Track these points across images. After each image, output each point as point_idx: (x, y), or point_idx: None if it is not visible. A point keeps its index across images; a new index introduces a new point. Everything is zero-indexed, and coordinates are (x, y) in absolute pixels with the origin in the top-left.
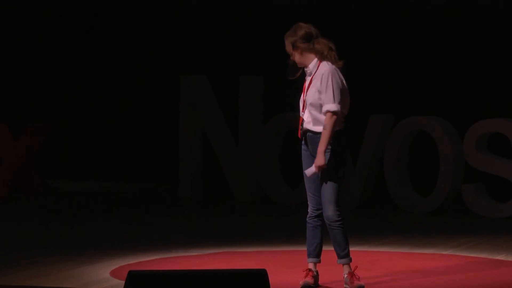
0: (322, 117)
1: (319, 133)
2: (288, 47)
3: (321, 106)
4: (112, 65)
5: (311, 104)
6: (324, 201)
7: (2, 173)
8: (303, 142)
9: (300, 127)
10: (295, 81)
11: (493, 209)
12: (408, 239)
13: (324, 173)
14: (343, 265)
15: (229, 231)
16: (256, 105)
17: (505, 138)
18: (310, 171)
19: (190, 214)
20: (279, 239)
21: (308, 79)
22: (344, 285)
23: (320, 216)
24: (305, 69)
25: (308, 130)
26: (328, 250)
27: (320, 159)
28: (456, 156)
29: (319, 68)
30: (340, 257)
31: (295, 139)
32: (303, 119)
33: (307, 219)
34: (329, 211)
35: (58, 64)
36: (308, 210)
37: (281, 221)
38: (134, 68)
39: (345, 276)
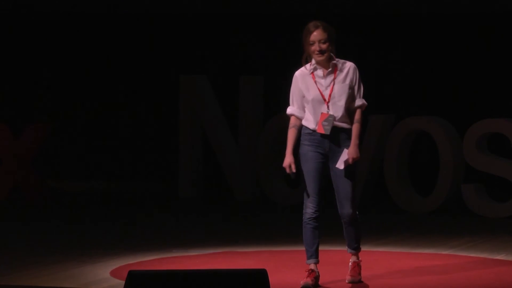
0: (350, 113)
1: (345, 128)
2: (323, 35)
3: (352, 100)
4: (112, 65)
5: (347, 99)
6: (343, 198)
7: (2, 173)
8: (311, 142)
9: (326, 123)
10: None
11: (493, 209)
12: (408, 239)
13: (345, 169)
14: (351, 254)
15: (229, 231)
16: (256, 105)
17: (505, 138)
18: (346, 162)
19: (190, 214)
20: (279, 239)
21: (328, 74)
22: (347, 276)
23: (318, 218)
24: (317, 64)
25: (336, 126)
26: (328, 250)
27: (357, 151)
28: (456, 156)
29: (341, 64)
30: (352, 248)
31: (295, 139)
32: (329, 115)
33: (306, 221)
34: (349, 208)
35: (58, 64)
36: (307, 211)
37: (281, 221)
38: (134, 68)
39: (350, 263)
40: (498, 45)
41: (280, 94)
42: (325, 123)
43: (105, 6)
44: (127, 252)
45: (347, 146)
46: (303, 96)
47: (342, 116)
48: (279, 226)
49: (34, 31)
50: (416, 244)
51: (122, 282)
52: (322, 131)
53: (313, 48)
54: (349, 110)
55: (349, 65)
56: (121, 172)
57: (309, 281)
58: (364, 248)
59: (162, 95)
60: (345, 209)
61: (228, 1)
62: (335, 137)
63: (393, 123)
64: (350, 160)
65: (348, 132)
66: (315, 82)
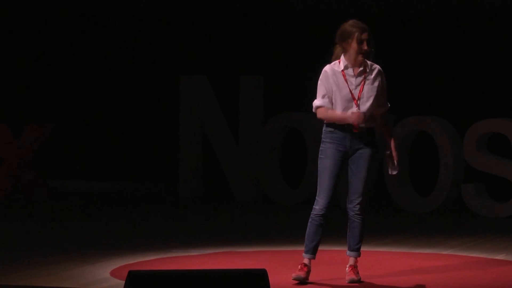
0: (372, 113)
1: (367, 128)
2: (370, 37)
3: (377, 102)
4: (112, 65)
5: (377, 100)
6: (355, 192)
7: (3, 173)
8: (332, 139)
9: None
10: (294, 81)
11: (493, 209)
12: (408, 239)
13: (366, 168)
14: (350, 257)
15: (229, 231)
16: (256, 105)
17: (505, 138)
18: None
19: (190, 214)
20: (279, 239)
21: (359, 74)
22: (346, 276)
23: (325, 216)
24: (348, 63)
25: (363, 127)
26: (328, 250)
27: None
28: (456, 156)
29: (371, 65)
30: (350, 249)
31: (295, 139)
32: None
33: (312, 216)
34: (361, 204)
35: (58, 64)
36: (316, 208)
37: (281, 221)
38: (134, 68)
39: (347, 267)
40: (498, 45)
41: (280, 94)
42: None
43: (105, 6)
44: (127, 252)
45: (368, 145)
46: (332, 92)
47: (370, 116)
48: (279, 226)
49: (34, 32)
50: (416, 244)
51: (122, 282)
52: (358, 129)
53: (361, 46)
54: (373, 112)
55: (377, 68)
56: (121, 172)
57: (301, 274)
58: (364, 248)
59: (162, 95)
60: (354, 202)
61: (228, 1)
62: (357, 136)
63: (392, 123)
64: (396, 161)
65: (369, 132)
66: (346, 80)
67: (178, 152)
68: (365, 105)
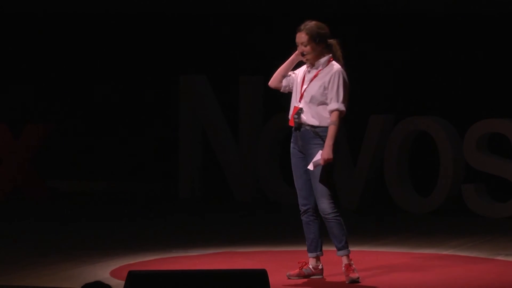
0: (320, 112)
1: (314, 126)
2: (303, 38)
3: (322, 101)
4: (112, 65)
5: (313, 97)
6: (317, 195)
7: (2, 173)
8: (292, 139)
9: (296, 116)
10: None
11: (493, 209)
12: (408, 239)
13: (319, 169)
14: (341, 256)
15: (229, 231)
16: (256, 105)
17: (505, 138)
18: (316, 163)
19: (190, 214)
20: (279, 239)
21: (312, 71)
22: (345, 277)
23: (308, 212)
24: (307, 61)
25: (302, 123)
26: (328, 250)
27: (329, 152)
28: (456, 156)
29: (328, 65)
30: (337, 249)
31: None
32: (298, 109)
33: (301, 216)
34: (323, 204)
35: (58, 64)
36: (299, 207)
37: (281, 221)
38: (134, 68)
39: (343, 267)
40: (498, 45)
41: (280, 94)
42: (296, 116)
43: (105, 6)
44: (127, 252)
45: (316, 145)
46: (290, 78)
47: (308, 113)
48: (279, 226)
49: (35, 32)
50: (416, 244)
51: (122, 282)
52: (293, 124)
53: (297, 50)
54: (318, 110)
55: (334, 68)
56: (121, 172)
57: (291, 273)
58: (364, 248)
59: (162, 95)
60: (320, 204)
61: (228, 1)
62: (303, 134)
63: (393, 123)
64: (322, 162)
65: (315, 130)
66: (304, 76)
67: (178, 152)
68: (305, 100)
